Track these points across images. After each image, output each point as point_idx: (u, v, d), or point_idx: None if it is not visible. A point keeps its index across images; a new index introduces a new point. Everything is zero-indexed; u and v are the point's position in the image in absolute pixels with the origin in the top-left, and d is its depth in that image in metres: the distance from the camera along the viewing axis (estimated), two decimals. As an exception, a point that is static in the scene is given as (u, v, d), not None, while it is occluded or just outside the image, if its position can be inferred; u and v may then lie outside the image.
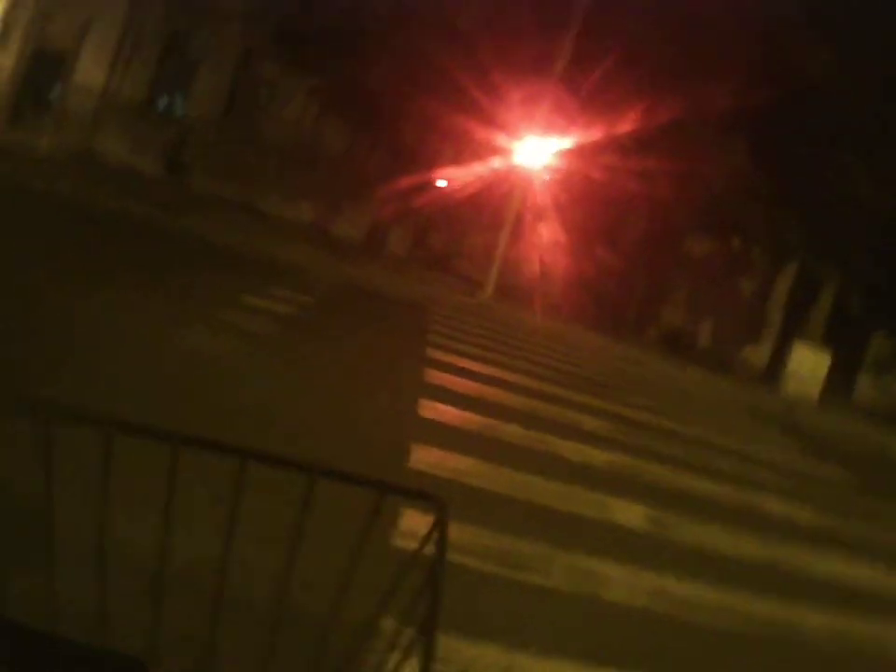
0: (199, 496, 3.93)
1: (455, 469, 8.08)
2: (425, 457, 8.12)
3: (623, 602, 6.14)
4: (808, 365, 32.19)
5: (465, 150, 27.66)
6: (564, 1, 26.44)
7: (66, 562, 1.72)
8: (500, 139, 27.08)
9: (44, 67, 31.19)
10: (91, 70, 31.54)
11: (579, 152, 27.55)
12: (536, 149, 27.02)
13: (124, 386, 7.49)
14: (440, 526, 1.53)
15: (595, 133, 26.81)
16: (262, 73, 34.21)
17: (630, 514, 8.45)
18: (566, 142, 27.20)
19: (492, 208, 29.14)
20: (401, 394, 10.77)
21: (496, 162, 27.78)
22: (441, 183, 29.29)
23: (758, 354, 36.34)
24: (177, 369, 8.88)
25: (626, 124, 26.66)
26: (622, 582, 6.48)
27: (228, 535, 1.59)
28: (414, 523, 5.87)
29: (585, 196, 29.61)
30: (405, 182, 28.66)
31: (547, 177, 28.79)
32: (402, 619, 1.51)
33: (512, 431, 10.52)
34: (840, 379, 35.43)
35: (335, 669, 1.66)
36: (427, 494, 1.58)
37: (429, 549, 1.52)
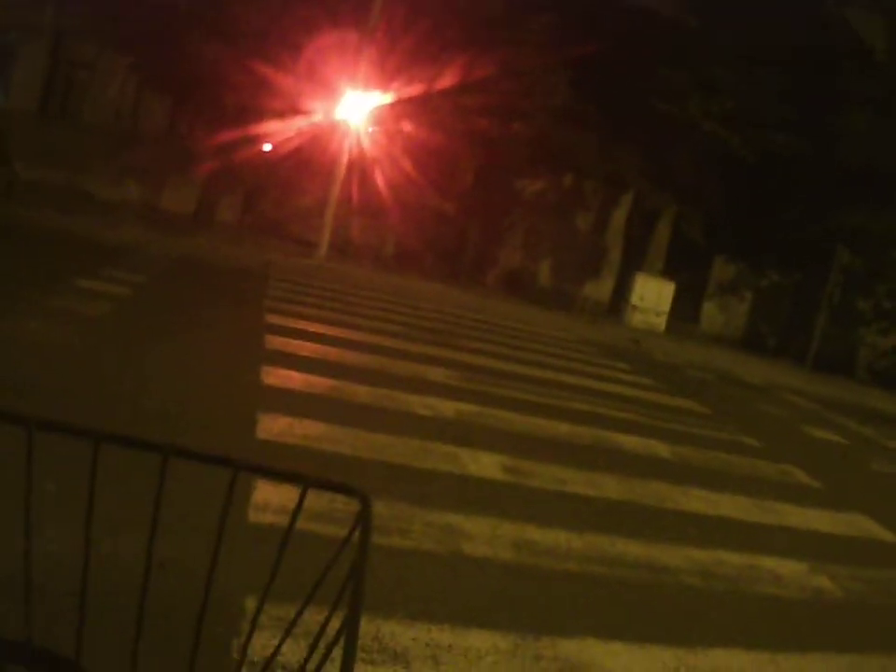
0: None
1: (304, 434, 8.03)
2: (272, 426, 8.05)
3: (486, 557, 6.19)
4: (652, 296, 32.99)
5: (288, 111, 27.32)
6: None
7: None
8: (322, 97, 26.88)
9: None
10: None
11: (403, 104, 27.58)
12: (358, 104, 26.92)
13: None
14: (363, 520, 1.54)
15: (417, 86, 26.92)
16: (79, 55, 33.68)
17: (484, 464, 8.53)
18: (388, 96, 27.20)
19: (320, 167, 28.96)
20: (243, 364, 10.62)
21: (320, 121, 27.60)
22: (266, 147, 28.95)
23: (600, 289, 37.01)
24: (14, 359, 8.59)
25: (448, 76, 26.86)
26: (483, 536, 6.54)
27: (156, 530, 1.57)
28: (266, 496, 5.85)
29: (413, 147, 29.61)
30: (230, 149, 28.27)
31: (372, 131, 28.74)
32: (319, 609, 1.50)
33: (358, 391, 10.50)
34: (685, 307, 36.41)
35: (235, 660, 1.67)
36: (349, 487, 1.60)
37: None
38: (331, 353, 12.52)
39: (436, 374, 12.78)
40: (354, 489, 1.59)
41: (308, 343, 12.75)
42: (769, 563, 7.61)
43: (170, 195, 33.24)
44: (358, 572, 1.43)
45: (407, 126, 28.96)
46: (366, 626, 4.73)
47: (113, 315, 12.05)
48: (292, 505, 1.57)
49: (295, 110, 27.52)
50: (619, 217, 37.43)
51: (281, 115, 27.69)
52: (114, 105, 34.06)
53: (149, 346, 10.72)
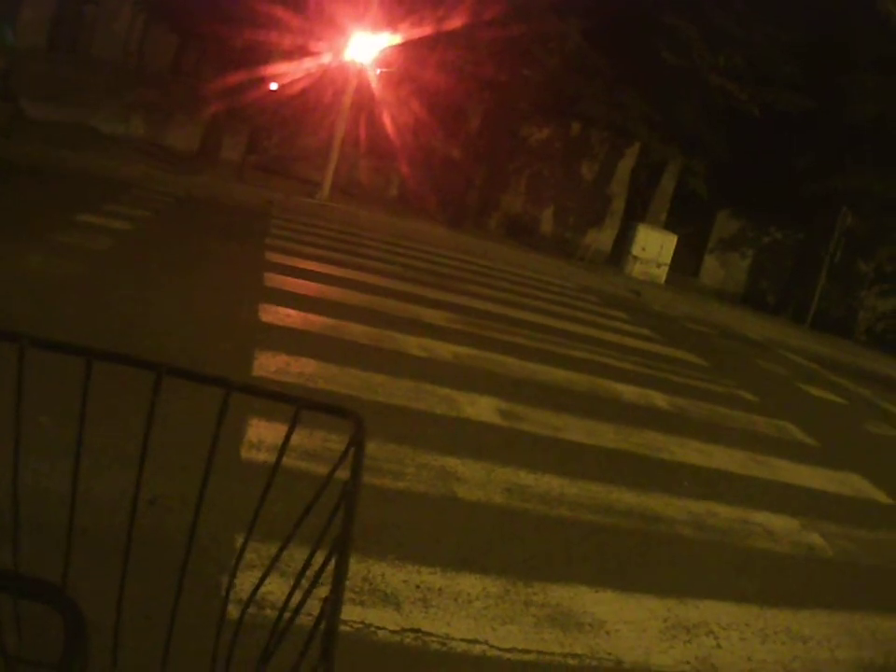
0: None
1: (300, 373, 7.98)
2: (268, 363, 8.00)
3: (479, 500, 6.15)
4: (653, 247, 32.89)
5: (295, 51, 27.05)
6: None
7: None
8: (331, 37, 26.63)
9: None
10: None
11: (411, 46, 27.32)
12: (367, 45, 26.72)
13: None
14: (356, 444, 1.51)
15: (426, 27, 26.61)
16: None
17: (480, 408, 8.48)
18: (396, 37, 26.93)
19: (326, 108, 28.81)
20: (242, 301, 10.55)
21: (327, 62, 27.38)
22: (272, 86, 28.69)
23: (602, 238, 36.94)
24: (15, 292, 8.52)
25: (458, 16, 26.51)
26: (476, 480, 6.49)
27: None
28: (259, 434, 5.79)
29: (421, 89, 29.42)
30: (235, 88, 28.01)
31: (379, 73, 28.49)
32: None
33: (356, 330, 10.44)
34: (686, 260, 36.37)
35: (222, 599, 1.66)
36: (343, 409, 1.59)
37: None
38: (330, 292, 12.45)
39: (434, 317, 12.72)
40: (347, 411, 1.58)
41: (307, 282, 12.67)
42: (762, 517, 7.58)
43: (175, 132, 33.18)
44: (351, 494, 1.40)
45: (415, 68, 28.67)
46: (356, 567, 4.69)
47: (114, 249, 11.96)
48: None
49: (302, 50, 27.23)
50: (624, 167, 37.32)
51: (288, 55, 27.41)
52: (121, 42, 33.98)
53: (149, 282, 10.65)
